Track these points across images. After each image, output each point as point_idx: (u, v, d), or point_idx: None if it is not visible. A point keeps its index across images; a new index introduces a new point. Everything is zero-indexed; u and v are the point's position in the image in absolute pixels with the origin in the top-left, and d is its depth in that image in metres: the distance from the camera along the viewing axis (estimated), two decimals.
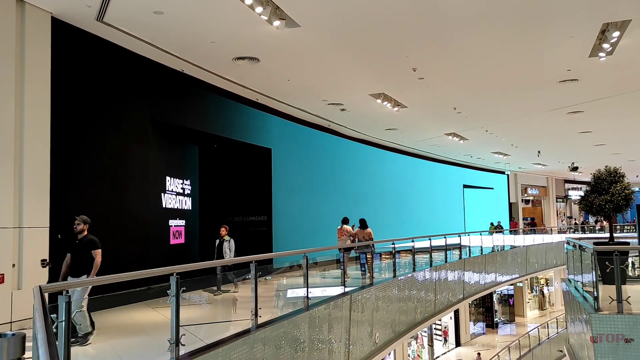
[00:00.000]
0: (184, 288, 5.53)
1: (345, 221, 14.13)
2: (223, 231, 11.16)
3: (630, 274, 8.95)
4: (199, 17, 8.73)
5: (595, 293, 7.71)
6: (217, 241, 11.19)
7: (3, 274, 7.19)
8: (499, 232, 23.88)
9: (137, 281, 8.09)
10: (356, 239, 13.65)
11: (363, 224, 14.25)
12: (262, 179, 14.98)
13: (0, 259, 7.22)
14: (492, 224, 27.34)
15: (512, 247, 22.12)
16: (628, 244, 10.73)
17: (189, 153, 13.89)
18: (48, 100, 8.09)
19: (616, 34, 9.36)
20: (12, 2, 7.58)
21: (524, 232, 28.28)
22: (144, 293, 8.88)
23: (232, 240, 11.15)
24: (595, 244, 9.51)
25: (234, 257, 10.75)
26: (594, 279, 7.73)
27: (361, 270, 12.32)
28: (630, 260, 8.84)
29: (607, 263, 7.45)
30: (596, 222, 31.64)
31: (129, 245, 10.33)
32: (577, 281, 10.05)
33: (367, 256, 12.43)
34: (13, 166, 7.48)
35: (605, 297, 7.62)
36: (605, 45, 9.86)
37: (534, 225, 33.35)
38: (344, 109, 15.47)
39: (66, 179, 8.75)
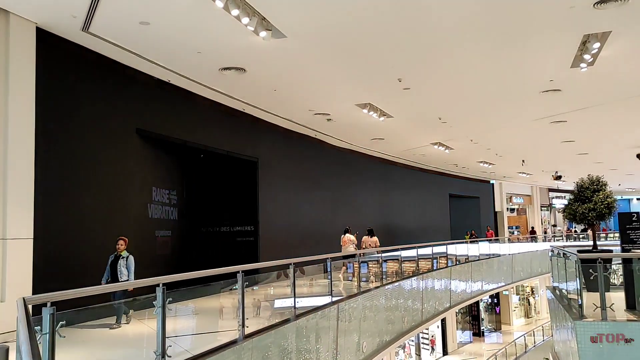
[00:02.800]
0: (170, 299, 5.51)
1: (347, 230, 15.18)
2: (120, 244, 8.86)
3: (614, 281, 9.07)
4: (186, 28, 8.74)
5: (579, 300, 7.81)
6: (112, 257, 8.86)
7: None
8: (473, 241, 23.90)
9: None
10: (362, 247, 14.70)
11: (370, 233, 15.67)
12: (249, 188, 14.95)
13: None
14: (467, 232, 27.86)
15: (487, 255, 21.91)
16: (611, 251, 10.88)
17: (175, 163, 13.84)
18: (32, 110, 8.02)
19: (597, 45, 9.55)
20: None
21: (510, 241, 28.61)
22: (130, 304, 8.80)
23: (131, 257, 8.85)
24: (579, 251, 9.64)
25: (134, 279, 8.65)
26: (578, 287, 7.83)
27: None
28: (613, 267, 8.97)
29: (590, 271, 7.55)
30: (585, 230, 32.27)
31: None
32: (562, 289, 10.16)
33: (354, 265, 12.69)
34: None
35: (590, 305, 7.72)
36: (586, 56, 10.05)
37: (533, 233, 34.37)
38: (330, 119, 15.53)
39: (51, 189, 8.67)
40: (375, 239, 15.43)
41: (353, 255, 12.50)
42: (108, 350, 7.07)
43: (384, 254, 13.40)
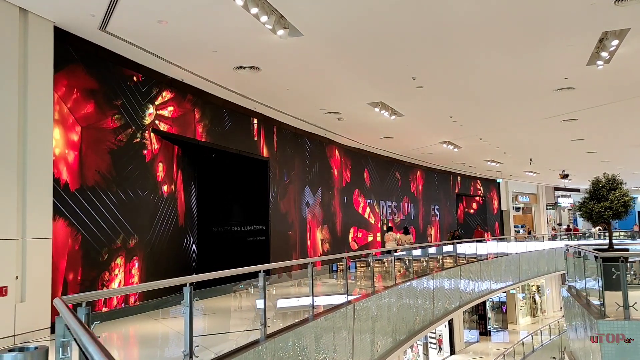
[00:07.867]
0: (197, 298, 5.48)
1: (390, 229, 18.11)
2: None
3: (634, 280, 9.05)
4: (203, 26, 8.70)
5: (601, 299, 7.77)
6: None
7: (6, 286, 7.05)
8: (452, 242, 23.25)
9: (146, 292, 7.99)
10: (399, 244, 16.73)
11: (405, 231, 18.45)
12: (260, 188, 14.91)
13: (4, 271, 7.07)
14: (450, 232, 27.99)
15: (495, 254, 21.71)
16: (627, 250, 10.83)
17: (187, 162, 13.80)
18: (50, 108, 7.99)
19: (615, 42, 9.47)
20: (16, 12, 7.50)
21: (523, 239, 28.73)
22: (146, 304, 8.78)
23: None
24: (596, 249, 9.59)
25: None
26: (601, 286, 7.78)
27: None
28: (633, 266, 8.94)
29: (613, 269, 7.51)
30: (593, 229, 32.61)
31: (130, 256, 10.20)
32: (579, 288, 10.12)
33: (357, 264, 13.02)
34: (17, 177, 7.35)
35: (611, 304, 7.68)
36: (604, 54, 9.96)
37: (569, 230, 36.11)
38: (341, 118, 15.49)
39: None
40: (409, 236, 17.81)
41: (368, 254, 12.47)
42: (132, 350, 7.05)
43: (395, 254, 13.42)
